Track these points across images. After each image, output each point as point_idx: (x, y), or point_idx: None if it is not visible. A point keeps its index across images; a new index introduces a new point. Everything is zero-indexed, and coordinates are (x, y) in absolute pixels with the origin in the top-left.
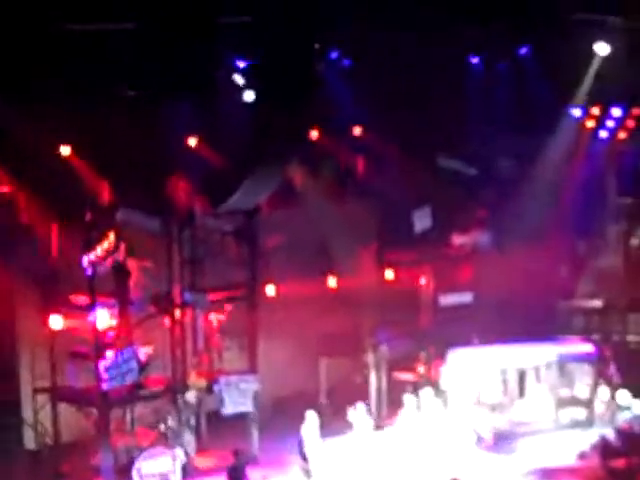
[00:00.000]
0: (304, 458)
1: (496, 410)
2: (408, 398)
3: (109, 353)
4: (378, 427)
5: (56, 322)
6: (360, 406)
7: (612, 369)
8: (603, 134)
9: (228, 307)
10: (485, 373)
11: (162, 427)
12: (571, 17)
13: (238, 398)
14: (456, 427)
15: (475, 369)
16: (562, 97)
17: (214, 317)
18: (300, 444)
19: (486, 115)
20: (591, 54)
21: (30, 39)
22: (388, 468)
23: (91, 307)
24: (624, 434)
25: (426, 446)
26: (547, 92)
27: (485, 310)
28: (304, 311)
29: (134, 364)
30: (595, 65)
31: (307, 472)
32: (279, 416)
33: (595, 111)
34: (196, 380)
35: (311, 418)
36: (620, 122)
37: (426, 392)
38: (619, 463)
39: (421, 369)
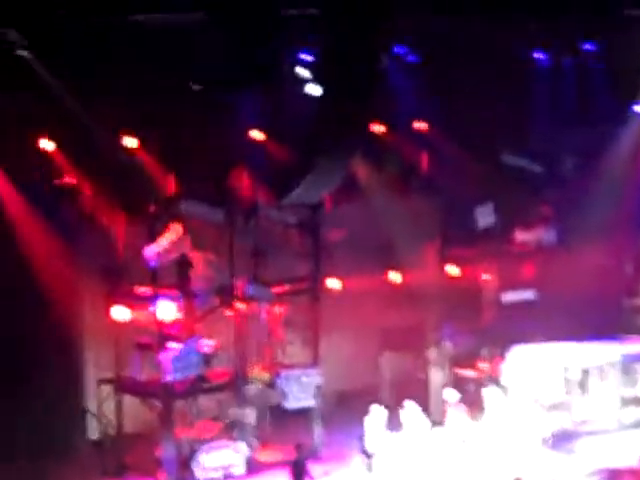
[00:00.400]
0: (365, 453)
1: (558, 409)
2: (470, 395)
3: (173, 345)
4: (438, 424)
5: (120, 313)
6: (410, 404)
7: None
8: None
9: (291, 300)
10: (548, 371)
11: (225, 420)
12: (636, 12)
13: (300, 392)
14: (518, 425)
15: (538, 367)
16: (626, 93)
17: (277, 310)
18: (361, 439)
19: (551, 111)
20: None
21: (97, 30)
22: (448, 466)
23: (155, 299)
24: None
25: (488, 444)
26: (611, 88)
27: (548, 308)
28: (367, 305)
29: (197, 356)
30: None
31: (368, 467)
32: (341, 410)
33: None
34: (259, 373)
35: (375, 412)
36: None
37: (489, 389)
38: None
39: (483, 366)
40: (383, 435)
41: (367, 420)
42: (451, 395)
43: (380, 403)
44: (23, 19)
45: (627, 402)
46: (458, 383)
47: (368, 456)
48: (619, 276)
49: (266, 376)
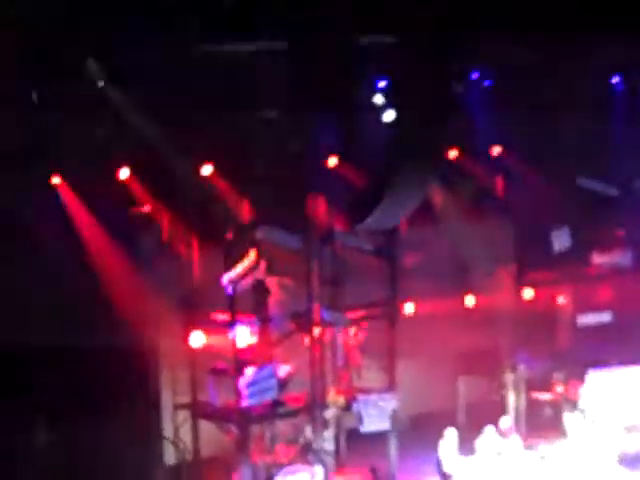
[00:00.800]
0: (443, 477)
1: (636, 430)
2: (548, 420)
3: (249, 370)
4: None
5: (197, 339)
6: (489, 429)
7: None
8: None
9: (367, 325)
10: (626, 394)
11: (301, 444)
12: None
13: (376, 416)
14: (596, 448)
15: (616, 390)
16: None
17: (353, 335)
18: (439, 463)
19: (626, 135)
20: None
21: (176, 59)
22: None
23: (231, 324)
24: None
25: (568, 468)
26: None
27: (625, 330)
28: (442, 329)
29: (273, 381)
30: None
31: None
32: (417, 435)
33: None
34: (335, 398)
35: (450, 436)
36: None
37: (567, 413)
38: None
39: (560, 389)
40: (457, 459)
41: (442, 444)
42: (505, 422)
43: (455, 427)
44: (103, 49)
45: None
46: (534, 407)
47: (445, 478)
48: None
49: (342, 400)
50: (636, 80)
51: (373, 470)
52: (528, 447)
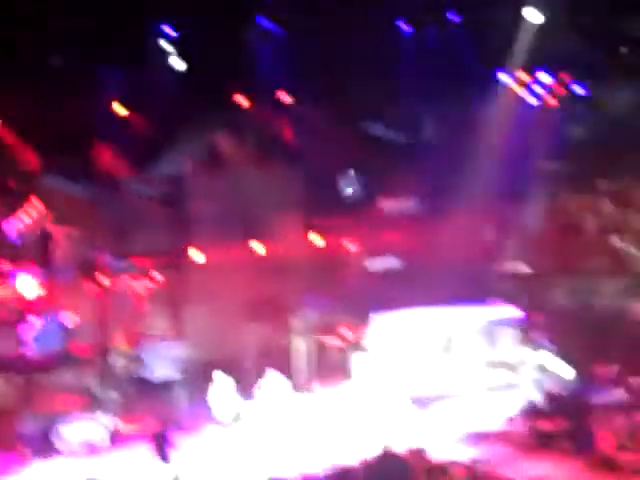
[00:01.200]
0: (229, 423)
1: (423, 373)
2: (335, 362)
3: (34, 319)
4: (302, 391)
5: None
6: (271, 372)
7: (540, 333)
8: (532, 100)
9: (154, 273)
10: (412, 337)
11: (88, 393)
12: None
13: (164, 364)
14: (384, 391)
15: (402, 332)
16: (492, 64)
17: (140, 283)
18: (216, 409)
19: (415, 81)
20: (521, 20)
21: None
22: (312, 433)
23: (16, 274)
24: (552, 398)
25: (354, 411)
26: (476, 58)
27: (412, 274)
28: (230, 277)
29: (59, 330)
30: (526, 31)
31: (232, 436)
32: (206, 382)
33: (524, 77)
34: (122, 347)
35: (224, 381)
36: (549, 89)
37: (354, 356)
38: (546, 427)
39: (346, 333)
40: (242, 404)
41: (225, 389)
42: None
43: (243, 372)
44: None
45: (492, 366)
46: (321, 350)
47: (232, 425)
48: (481, 242)
49: (129, 349)
50: (423, 26)
51: (161, 419)
52: (315, 390)
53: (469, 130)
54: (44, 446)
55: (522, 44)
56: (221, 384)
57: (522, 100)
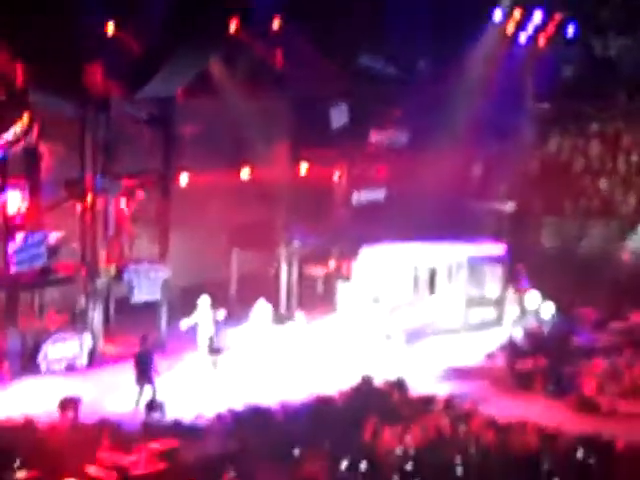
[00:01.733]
0: (211, 349)
1: (406, 308)
2: (319, 293)
3: (18, 236)
4: (285, 320)
5: None
6: (260, 301)
7: (522, 271)
8: (523, 39)
9: (140, 194)
10: (397, 271)
11: (71, 312)
12: None
13: (148, 286)
14: (367, 323)
15: (387, 266)
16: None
17: (126, 204)
18: (208, 335)
19: (407, 15)
20: None
21: None
22: (294, 363)
23: (1, 189)
24: (532, 336)
25: (336, 342)
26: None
27: (398, 208)
28: (217, 202)
29: (43, 248)
30: None
31: (214, 363)
32: (188, 305)
33: (516, 15)
34: (106, 267)
35: (207, 307)
36: (540, 27)
37: (337, 288)
38: (525, 364)
39: (333, 264)
40: (231, 331)
41: (212, 316)
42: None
43: (227, 299)
44: None
45: (473, 303)
46: (307, 281)
47: (214, 352)
48: (468, 178)
49: (113, 269)
50: None
51: (143, 339)
52: (298, 319)
53: (461, 66)
54: (25, 363)
55: None
56: (205, 309)
57: (514, 38)
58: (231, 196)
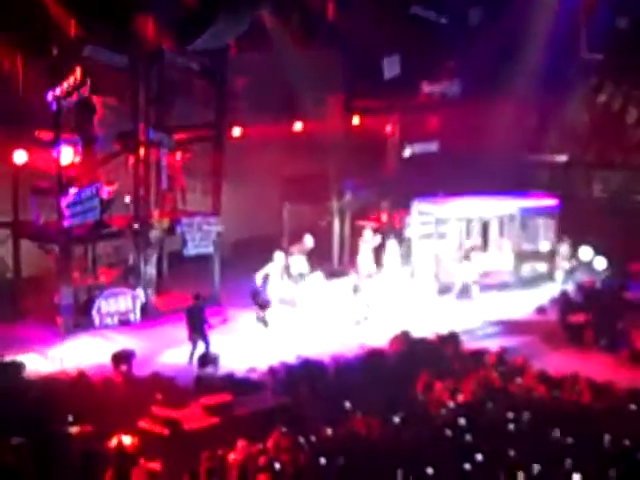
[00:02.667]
0: (260, 306)
1: (459, 260)
2: (367, 246)
3: (72, 190)
4: (339, 274)
5: (20, 157)
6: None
7: (576, 225)
8: None
9: (193, 147)
10: (449, 224)
11: (123, 266)
12: None
13: (200, 240)
14: (419, 276)
15: (439, 220)
16: None
17: (179, 157)
18: (256, 292)
19: None
20: None
21: None
22: (344, 317)
23: (55, 143)
24: (584, 290)
25: (387, 294)
26: None
27: (451, 161)
28: (269, 155)
29: (97, 202)
30: None
31: (264, 321)
32: (241, 259)
33: None
34: (159, 220)
35: (276, 260)
36: None
37: (390, 242)
38: (577, 318)
39: (385, 218)
40: (278, 287)
41: (268, 269)
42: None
43: (280, 252)
44: None
45: (526, 256)
46: (359, 234)
47: (263, 308)
48: (521, 131)
49: (166, 223)
50: None
51: (196, 296)
52: (350, 274)
53: (513, 16)
54: (78, 317)
55: None
56: (276, 264)
57: None
58: (283, 149)
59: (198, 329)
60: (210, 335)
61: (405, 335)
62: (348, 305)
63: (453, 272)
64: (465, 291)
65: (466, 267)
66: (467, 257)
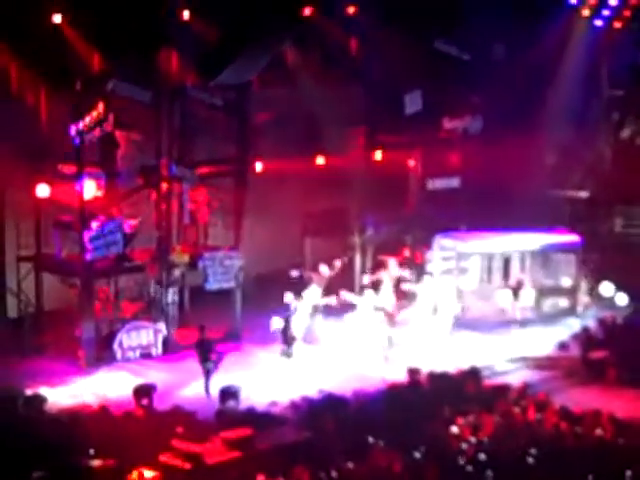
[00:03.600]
0: (285, 341)
1: (479, 296)
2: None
3: (94, 224)
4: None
5: (43, 190)
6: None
7: (597, 260)
8: (598, 23)
9: (215, 182)
10: (471, 259)
11: (145, 300)
12: None
13: (222, 274)
14: (440, 311)
15: (461, 254)
16: None
17: (201, 192)
18: (282, 327)
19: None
20: None
21: None
22: (364, 352)
23: (78, 177)
24: (605, 325)
25: (410, 328)
26: None
27: (472, 196)
28: (291, 189)
29: (119, 236)
30: None
31: (288, 354)
32: (262, 293)
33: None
34: (181, 255)
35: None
36: (616, 11)
37: (411, 276)
38: (599, 354)
39: (407, 252)
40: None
41: (293, 304)
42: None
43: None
44: None
45: (547, 291)
46: (381, 269)
47: (288, 343)
48: (542, 167)
49: (187, 257)
50: None
51: (201, 328)
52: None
53: (536, 52)
54: (100, 351)
55: None
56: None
57: (588, 22)
58: (305, 183)
59: (207, 362)
60: (219, 366)
61: (427, 370)
62: (372, 339)
63: (473, 307)
64: (484, 326)
65: (512, 302)
66: (515, 294)
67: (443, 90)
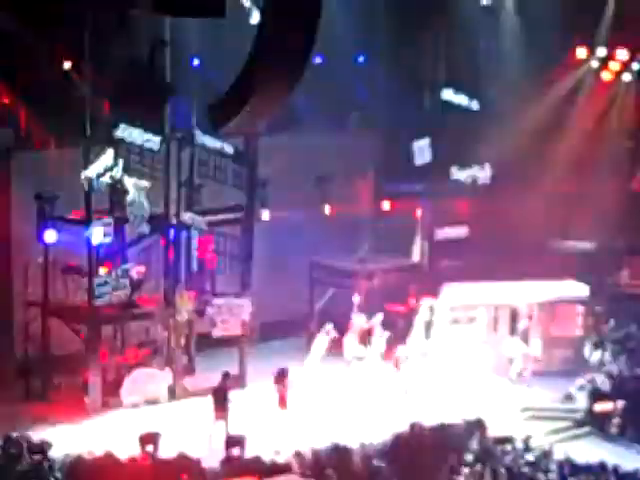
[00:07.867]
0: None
1: (486, 346)
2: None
3: (102, 270)
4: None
5: (50, 236)
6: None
7: (605, 312)
8: (606, 75)
9: (223, 229)
10: (477, 310)
11: (152, 346)
12: None
13: (229, 321)
14: (447, 362)
15: (468, 305)
16: (569, 38)
17: (209, 239)
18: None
19: (493, 53)
20: None
21: None
22: (363, 405)
23: (86, 223)
24: (612, 378)
25: (411, 381)
26: (553, 31)
27: (480, 246)
28: (299, 237)
29: (126, 282)
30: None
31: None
32: (269, 340)
33: (600, 52)
34: (188, 301)
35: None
36: (625, 64)
37: (419, 325)
38: (605, 406)
39: (414, 302)
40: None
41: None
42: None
43: (307, 334)
44: None
45: (554, 343)
46: (388, 318)
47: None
48: (550, 218)
49: (195, 304)
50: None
51: (225, 375)
52: (377, 358)
53: (543, 103)
54: (107, 396)
55: (607, 21)
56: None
57: (598, 74)
58: (313, 231)
59: (222, 410)
60: (232, 417)
61: (432, 420)
62: (379, 388)
63: (479, 357)
64: (491, 376)
65: (519, 353)
66: (525, 340)
67: (451, 140)
